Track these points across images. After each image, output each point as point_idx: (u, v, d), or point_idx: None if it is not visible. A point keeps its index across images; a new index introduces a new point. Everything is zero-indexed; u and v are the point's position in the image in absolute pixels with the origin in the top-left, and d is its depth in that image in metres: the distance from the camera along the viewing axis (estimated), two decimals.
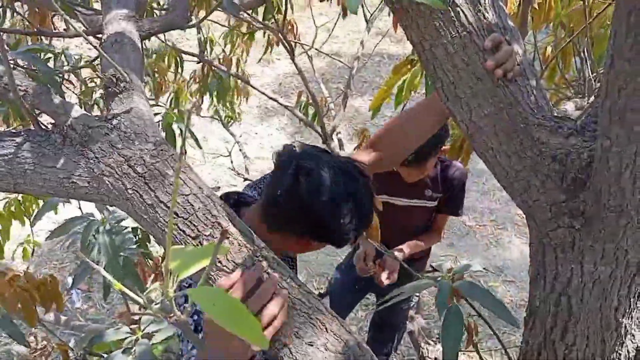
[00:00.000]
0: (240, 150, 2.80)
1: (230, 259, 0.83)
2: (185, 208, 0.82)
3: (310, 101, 2.52)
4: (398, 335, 2.27)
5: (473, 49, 0.95)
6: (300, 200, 1.02)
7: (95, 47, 0.95)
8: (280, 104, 2.39)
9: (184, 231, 0.81)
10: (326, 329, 0.83)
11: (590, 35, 2.02)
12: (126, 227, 1.67)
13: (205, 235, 0.82)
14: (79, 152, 0.84)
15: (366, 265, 1.95)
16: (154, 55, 2.51)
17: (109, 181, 0.83)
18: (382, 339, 2.25)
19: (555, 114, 1.11)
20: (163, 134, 1.78)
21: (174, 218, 0.81)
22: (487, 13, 1.23)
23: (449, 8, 0.93)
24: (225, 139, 4.71)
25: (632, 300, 1.08)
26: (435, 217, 2.15)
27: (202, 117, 2.85)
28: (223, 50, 2.75)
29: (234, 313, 0.49)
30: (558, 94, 2.48)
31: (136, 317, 1.70)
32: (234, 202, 1.22)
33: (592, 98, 2.11)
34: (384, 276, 1.92)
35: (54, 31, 1.60)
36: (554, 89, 2.49)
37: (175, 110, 2.85)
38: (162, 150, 0.85)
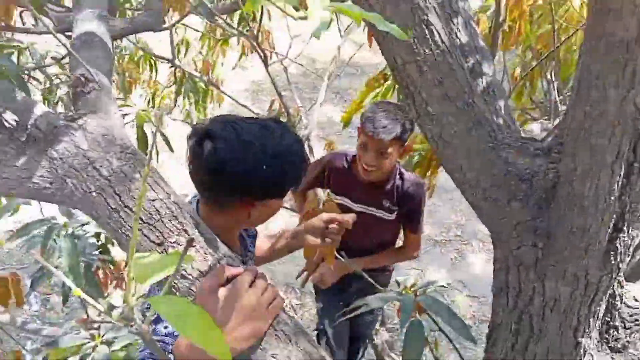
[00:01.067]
0: None
1: (196, 267, 0.81)
2: (150, 214, 0.80)
3: (283, 110, 2.51)
4: (362, 348, 2.26)
5: (446, 67, 0.96)
6: (259, 158, 1.03)
7: (64, 45, 0.93)
8: (252, 112, 2.38)
9: (148, 237, 0.79)
10: (290, 341, 0.82)
11: (558, 58, 2.08)
12: (88, 232, 1.63)
13: (170, 242, 0.81)
14: (42, 152, 0.82)
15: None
16: (127, 56, 2.47)
17: (72, 183, 0.81)
18: (346, 351, 2.25)
19: (523, 135, 1.13)
20: (135, 135, 1.75)
21: (140, 223, 0.80)
22: (460, 33, 1.26)
23: (423, 26, 0.94)
24: None
25: (591, 320, 1.11)
26: (405, 234, 2.14)
27: (174, 120, 2.81)
28: (200, 53, 2.72)
29: (198, 323, 0.48)
30: (525, 115, 2.55)
31: (96, 324, 1.66)
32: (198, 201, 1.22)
33: (557, 120, 2.17)
34: (315, 275, 1.94)
35: (22, 26, 1.56)
36: (520, 110, 2.55)
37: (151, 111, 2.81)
38: (129, 153, 0.83)
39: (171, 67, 2.41)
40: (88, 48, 1.01)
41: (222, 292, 0.78)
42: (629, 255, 1.05)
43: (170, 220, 0.81)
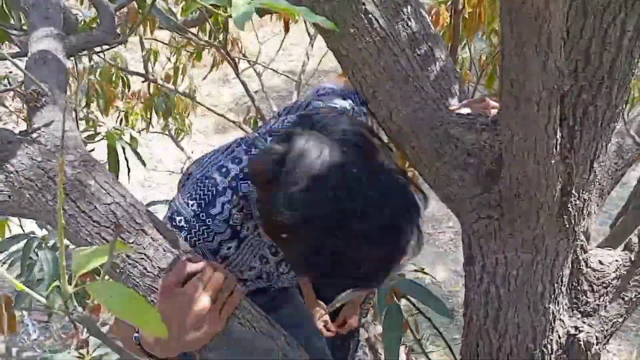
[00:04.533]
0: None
1: (156, 265, 0.84)
2: (107, 217, 0.83)
3: (259, 117, 2.55)
4: (352, 343, 2.28)
5: (388, 53, 1.00)
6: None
7: (16, 65, 0.96)
8: (228, 120, 2.41)
9: (105, 239, 0.82)
10: (254, 327, 0.84)
11: None
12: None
13: (129, 242, 0.83)
14: None
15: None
16: (98, 73, 2.50)
17: (29, 194, 0.83)
18: (336, 348, 2.26)
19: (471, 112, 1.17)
20: (106, 155, 1.77)
21: (97, 227, 0.83)
22: (410, 22, 1.30)
23: (362, 15, 0.98)
24: (182, 159, 4.69)
25: (555, 285, 1.13)
26: None
27: (151, 132, 2.85)
28: (169, 61, 2.76)
29: (133, 305, 0.51)
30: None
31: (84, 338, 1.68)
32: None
33: None
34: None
35: None
36: (494, 95, 2.58)
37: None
38: (83, 161, 0.86)
39: (144, 81, 2.44)
40: (42, 65, 1.03)
41: (177, 294, 0.80)
42: (584, 218, 1.08)
43: (127, 222, 0.84)
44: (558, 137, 0.85)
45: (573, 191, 0.98)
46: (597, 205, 2.02)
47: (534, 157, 0.85)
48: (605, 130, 0.96)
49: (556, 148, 0.86)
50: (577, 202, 1.00)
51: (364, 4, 0.97)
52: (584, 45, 0.88)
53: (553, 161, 0.87)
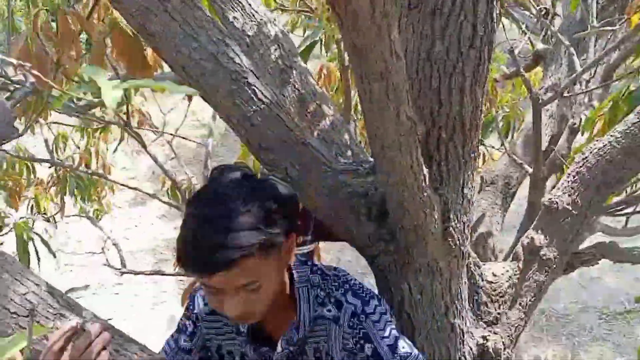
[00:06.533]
0: (114, 244, 2.78)
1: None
2: (23, 306, 0.86)
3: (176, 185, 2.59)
4: None
5: (273, 118, 1.10)
6: None
7: None
8: (143, 192, 2.44)
9: (24, 328, 0.85)
10: None
11: None
12: None
13: (49, 327, 0.87)
14: None
15: None
16: (4, 165, 2.47)
17: None
18: None
19: (361, 158, 1.30)
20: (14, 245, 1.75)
21: (14, 317, 0.86)
22: (297, 84, 1.44)
23: (246, 88, 1.08)
24: (102, 237, 4.57)
25: (457, 302, 1.26)
26: None
27: (66, 216, 2.82)
28: (78, 147, 2.77)
29: None
30: None
31: None
32: None
33: None
34: None
35: None
36: None
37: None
38: None
39: (50, 167, 2.43)
40: None
41: None
42: (467, 238, 1.22)
43: (44, 308, 0.87)
44: (425, 172, 0.98)
45: (451, 216, 1.12)
46: (498, 223, 2.21)
47: (407, 192, 0.98)
48: (467, 162, 1.11)
49: (425, 182, 1.00)
50: (458, 225, 1.14)
51: (245, 77, 1.08)
52: (435, 92, 1.04)
53: (426, 194, 1.00)
